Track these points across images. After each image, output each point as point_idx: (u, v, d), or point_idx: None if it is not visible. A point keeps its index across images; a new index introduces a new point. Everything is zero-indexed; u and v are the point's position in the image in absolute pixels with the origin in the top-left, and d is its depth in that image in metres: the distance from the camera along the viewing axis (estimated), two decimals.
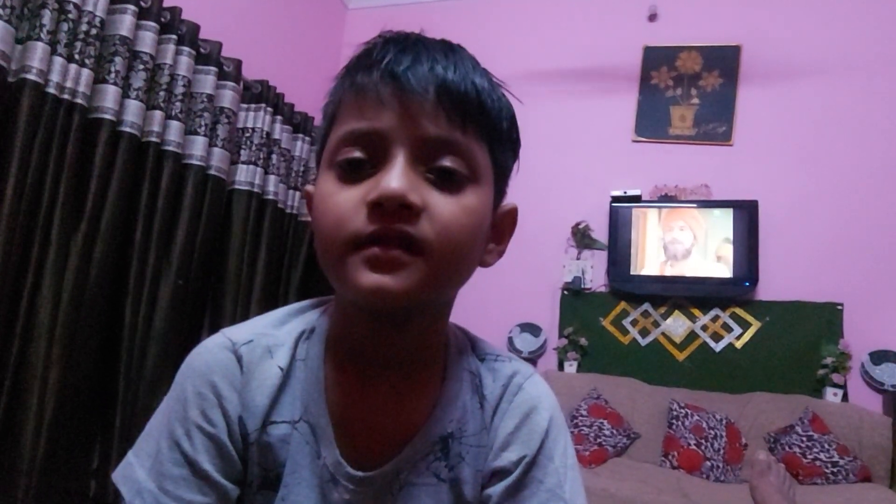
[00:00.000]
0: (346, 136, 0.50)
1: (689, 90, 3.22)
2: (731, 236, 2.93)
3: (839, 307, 2.79)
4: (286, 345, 0.57)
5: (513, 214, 0.59)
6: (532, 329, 3.19)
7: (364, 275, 0.47)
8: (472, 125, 0.50)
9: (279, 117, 2.84)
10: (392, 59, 0.49)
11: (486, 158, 0.53)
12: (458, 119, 0.49)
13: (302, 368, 0.57)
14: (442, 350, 0.60)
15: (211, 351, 0.56)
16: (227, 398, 0.54)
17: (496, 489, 0.56)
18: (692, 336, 2.99)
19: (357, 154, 0.49)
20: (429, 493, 0.56)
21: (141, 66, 2.07)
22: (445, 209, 0.49)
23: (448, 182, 0.50)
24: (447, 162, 0.49)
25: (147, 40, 2.09)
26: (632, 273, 3.06)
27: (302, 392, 0.56)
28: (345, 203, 0.49)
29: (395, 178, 0.47)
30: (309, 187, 0.57)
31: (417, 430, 0.56)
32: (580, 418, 2.66)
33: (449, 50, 0.52)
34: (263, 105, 2.72)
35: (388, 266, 0.47)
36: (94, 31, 1.88)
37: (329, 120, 0.54)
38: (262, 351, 0.56)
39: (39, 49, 1.73)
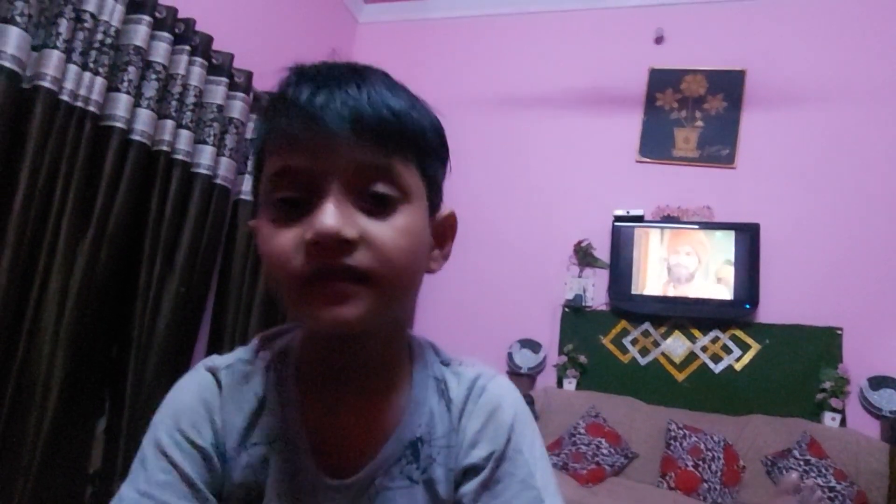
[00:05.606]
0: (274, 178, 0.52)
1: (693, 113, 3.25)
2: (732, 258, 2.95)
3: (839, 332, 2.79)
4: (261, 370, 0.61)
5: (451, 219, 0.62)
6: (532, 345, 3.19)
7: (319, 309, 0.50)
8: (394, 148, 0.52)
9: None
10: (306, 100, 0.50)
11: (415, 176, 0.54)
12: (380, 145, 0.51)
13: (276, 391, 0.60)
14: (406, 359, 0.63)
15: (200, 373, 0.61)
16: (213, 414, 0.58)
17: (470, 486, 0.59)
18: (692, 357, 2.99)
19: (288, 193, 0.51)
20: (403, 496, 0.59)
21: (154, 76, 2.10)
22: (382, 235, 0.51)
23: (381, 207, 0.51)
24: (378, 188, 0.51)
25: (160, 50, 2.12)
26: (633, 292, 3.07)
27: (278, 413, 0.59)
28: (284, 245, 0.50)
29: (329, 215, 0.48)
30: (252, 222, 0.59)
31: (388, 437, 0.59)
32: (578, 436, 2.66)
33: (360, 78, 0.52)
34: None
35: (338, 298, 0.50)
36: (108, 41, 1.92)
37: (258, 159, 0.56)
38: (239, 376, 0.61)
39: (55, 57, 1.76)
